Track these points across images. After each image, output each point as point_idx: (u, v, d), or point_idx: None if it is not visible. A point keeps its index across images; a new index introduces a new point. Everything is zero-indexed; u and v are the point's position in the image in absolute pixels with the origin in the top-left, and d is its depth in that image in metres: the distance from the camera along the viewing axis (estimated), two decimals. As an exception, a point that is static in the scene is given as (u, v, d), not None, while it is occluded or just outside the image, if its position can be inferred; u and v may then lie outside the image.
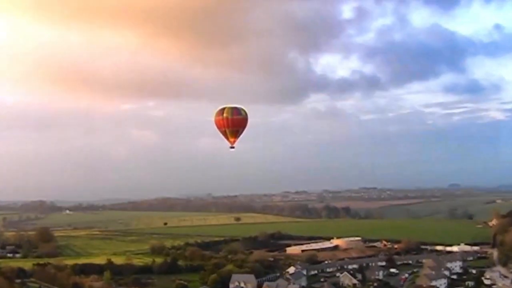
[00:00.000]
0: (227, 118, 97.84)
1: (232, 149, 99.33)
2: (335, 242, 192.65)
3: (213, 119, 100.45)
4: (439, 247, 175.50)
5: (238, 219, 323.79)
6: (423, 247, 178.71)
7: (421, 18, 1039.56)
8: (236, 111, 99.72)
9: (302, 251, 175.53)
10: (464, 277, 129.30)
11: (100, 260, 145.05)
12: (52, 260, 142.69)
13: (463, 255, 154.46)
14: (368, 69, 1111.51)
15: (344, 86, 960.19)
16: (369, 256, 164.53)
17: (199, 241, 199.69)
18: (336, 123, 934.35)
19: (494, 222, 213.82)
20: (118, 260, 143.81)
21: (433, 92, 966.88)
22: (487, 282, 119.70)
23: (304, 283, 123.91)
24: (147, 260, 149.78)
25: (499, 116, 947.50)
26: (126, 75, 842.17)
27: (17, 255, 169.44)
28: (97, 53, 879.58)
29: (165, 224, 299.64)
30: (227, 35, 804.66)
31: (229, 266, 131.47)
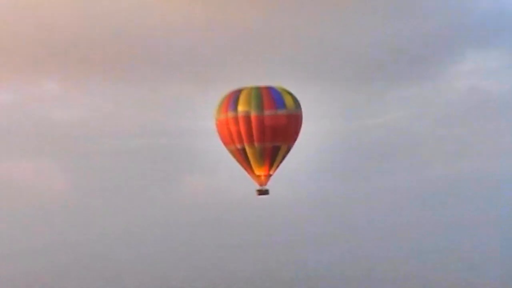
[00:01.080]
0: (247, 116, 54.38)
1: (263, 196, 52.85)
2: None
3: (213, 120, 55.07)
4: None
5: None
6: None
7: None
8: (272, 97, 55.18)
9: None
10: None
11: None
12: None
13: None
14: None
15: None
16: None
17: None
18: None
19: None
20: None
21: None
22: None
23: None
24: None
25: None
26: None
27: None
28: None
29: None
30: None
31: None
